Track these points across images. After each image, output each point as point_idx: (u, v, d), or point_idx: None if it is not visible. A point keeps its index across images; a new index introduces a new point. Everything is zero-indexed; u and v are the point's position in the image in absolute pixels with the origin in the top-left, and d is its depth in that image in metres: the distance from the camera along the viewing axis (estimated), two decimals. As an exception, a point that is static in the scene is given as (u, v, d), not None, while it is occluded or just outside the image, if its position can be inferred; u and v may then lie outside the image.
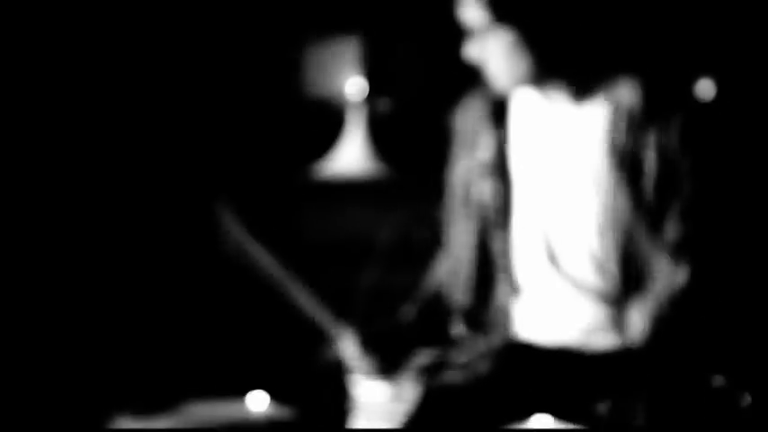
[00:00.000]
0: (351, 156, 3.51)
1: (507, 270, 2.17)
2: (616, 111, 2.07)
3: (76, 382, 2.92)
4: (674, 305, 2.00)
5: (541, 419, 1.87)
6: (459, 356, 2.20)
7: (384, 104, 3.48)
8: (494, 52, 2.08)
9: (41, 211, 3.30)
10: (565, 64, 2.08)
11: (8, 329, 3.09)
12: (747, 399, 1.99)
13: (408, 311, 2.25)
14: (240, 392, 2.25)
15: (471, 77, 2.26)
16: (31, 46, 3.26)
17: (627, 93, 2.07)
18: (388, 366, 2.16)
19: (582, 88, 2.09)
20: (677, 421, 1.95)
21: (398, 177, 3.47)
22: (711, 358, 2.04)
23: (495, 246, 2.18)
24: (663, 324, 1.99)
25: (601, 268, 2.09)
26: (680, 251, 2.04)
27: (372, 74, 3.41)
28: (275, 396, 2.22)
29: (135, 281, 3.40)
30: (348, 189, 3.48)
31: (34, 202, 3.28)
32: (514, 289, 2.17)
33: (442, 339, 2.25)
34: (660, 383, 1.99)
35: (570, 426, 1.84)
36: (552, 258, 2.13)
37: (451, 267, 2.26)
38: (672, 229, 2.05)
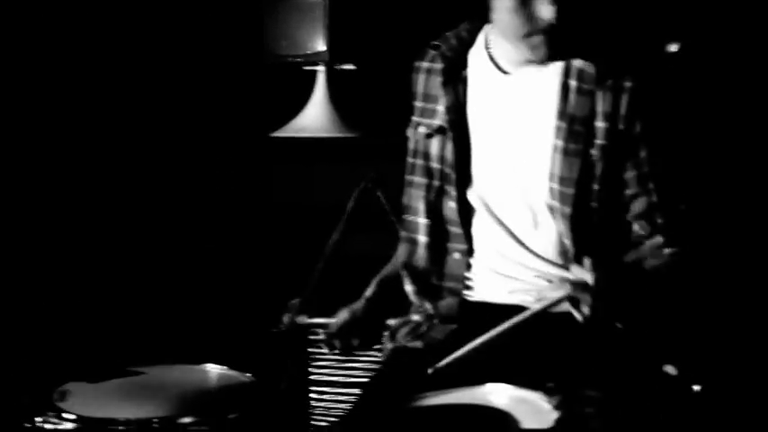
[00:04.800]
0: (315, 116, 3.50)
1: (459, 234, 2.17)
2: (568, 78, 2.08)
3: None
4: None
5: (496, 388, 1.86)
6: (420, 322, 2.19)
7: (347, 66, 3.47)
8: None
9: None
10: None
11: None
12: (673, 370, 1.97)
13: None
14: (197, 360, 2.24)
15: (431, 39, 2.25)
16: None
17: (579, 61, 2.07)
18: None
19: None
20: (630, 407, 1.95)
21: (361, 138, 3.45)
22: (665, 346, 2.02)
23: (448, 209, 2.18)
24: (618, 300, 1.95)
25: (554, 236, 2.10)
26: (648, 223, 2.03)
27: (336, 36, 3.39)
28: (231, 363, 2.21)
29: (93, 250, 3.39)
30: (313, 149, 3.47)
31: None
32: (466, 254, 2.17)
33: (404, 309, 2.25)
34: (614, 366, 1.98)
35: (525, 392, 1.83)
36: (502, 223, 2.14)
37: (407, 236, 2.25)
38: (636, 202, 2.06)
